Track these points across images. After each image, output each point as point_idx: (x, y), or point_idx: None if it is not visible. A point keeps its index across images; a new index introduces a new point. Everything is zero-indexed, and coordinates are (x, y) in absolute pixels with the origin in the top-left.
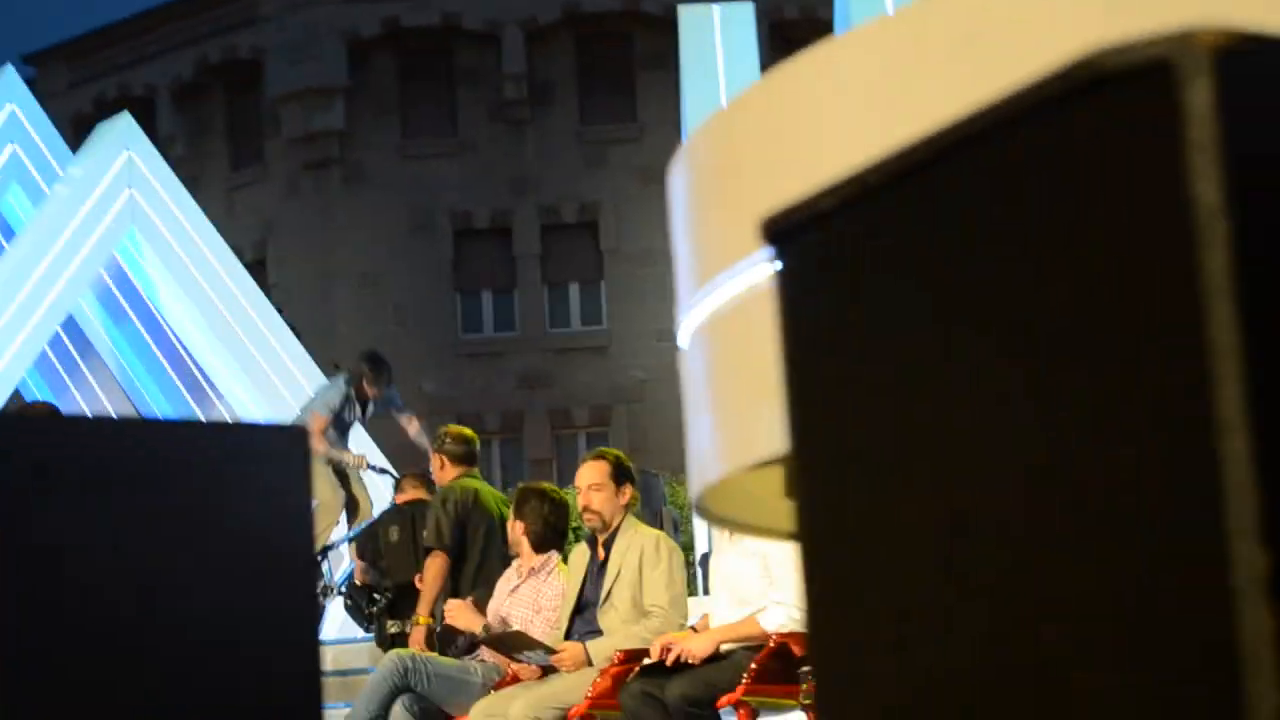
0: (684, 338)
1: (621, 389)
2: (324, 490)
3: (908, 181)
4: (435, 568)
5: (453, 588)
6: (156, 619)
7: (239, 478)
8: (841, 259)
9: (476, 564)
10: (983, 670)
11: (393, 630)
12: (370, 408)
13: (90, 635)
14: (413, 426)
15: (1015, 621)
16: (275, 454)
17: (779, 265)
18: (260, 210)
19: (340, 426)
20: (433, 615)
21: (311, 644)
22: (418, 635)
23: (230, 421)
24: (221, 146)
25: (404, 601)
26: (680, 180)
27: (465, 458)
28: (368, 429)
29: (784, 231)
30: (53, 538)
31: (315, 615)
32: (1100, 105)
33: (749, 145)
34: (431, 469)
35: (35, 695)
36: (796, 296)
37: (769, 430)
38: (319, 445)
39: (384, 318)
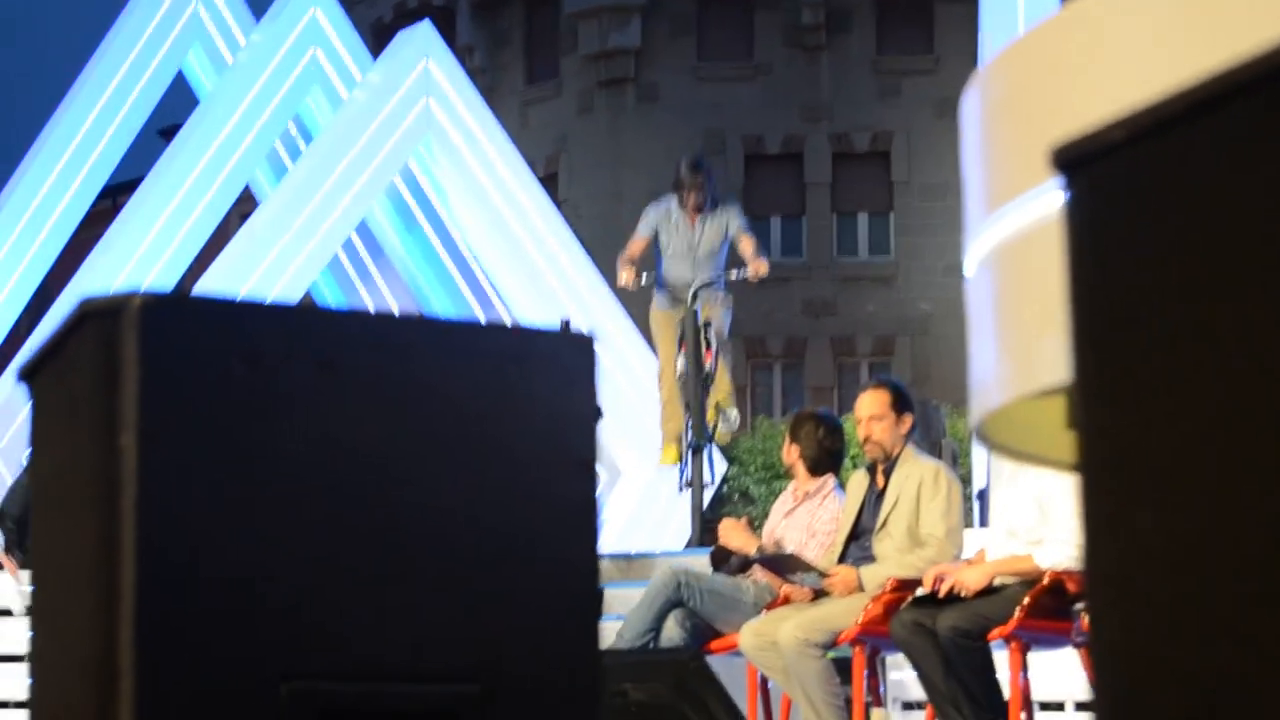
0: (971, 264)
1: (906, 320)
2: (662, 345)
3: (1204, 116)
4: None
5: None
6: (428, 517)
7: (521, 381)
8: (1132, 191)
9: None
10: (1263, 614)
11: None
12: (706, 228)
13: (362, 532)
14: (749, 246)
15: None
16: (559, 359)
17: (1068, 194)
18: (553, 125)
19: (673, 254)
20: None
21: (589, 552)
22: None
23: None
24: (518, 59)
25: None
26: (973, 106)
27: None
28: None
29: (1074, 161)
30: (336, 432)
31: (593, 524)
32: None
33: (1044, 74)
34: None
35: (317, 583)
36: (1084, 226)
37: (1053, 359)
38: (623, 273)
39: None
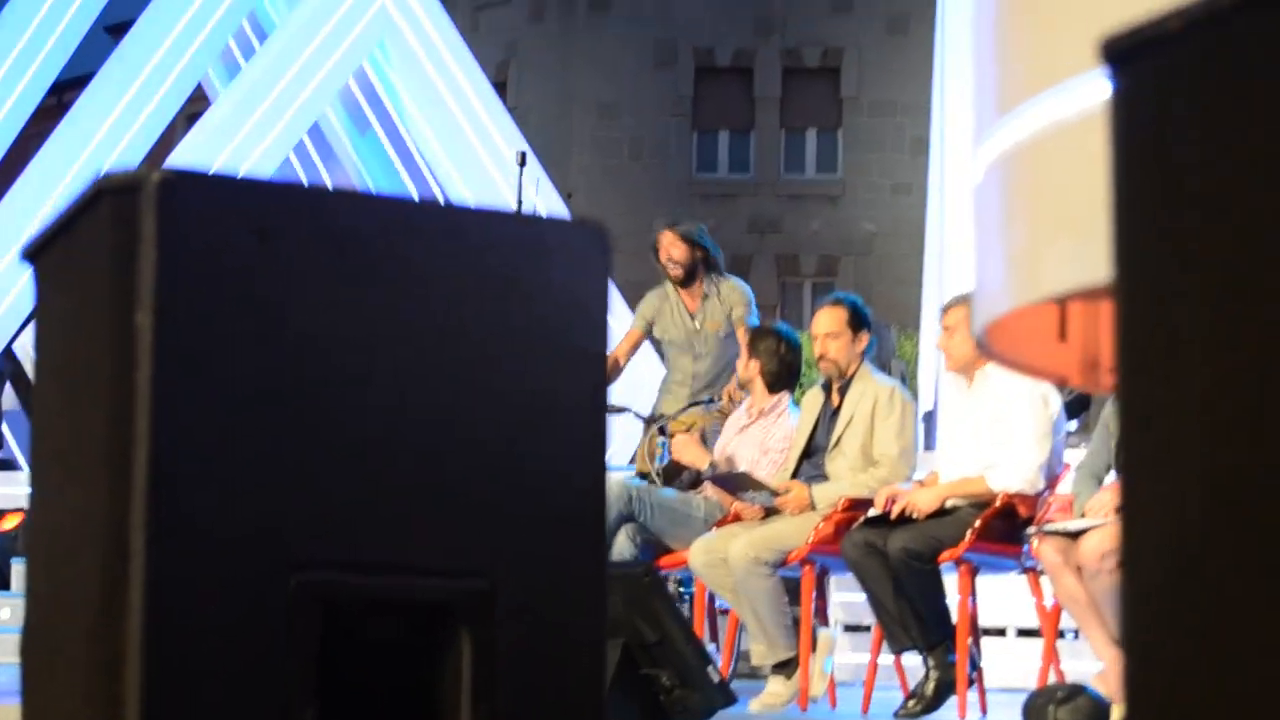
0: (979, 167)
1: (851, 240)
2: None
3: (1265, 6)
4: None
5: None
6: (440, 407)
7: (534, 270)
8: (1186, 84)
9: None
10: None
11: None
12: (707, 310)
13: (373, 420)
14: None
15: None
16: (572, 249)
17: (1117, 87)
18: (504, 31)
19: (671, 349)
20: None
21: (597, 448)
22: None
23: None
24: None
25: None
26: (989, 3)
27: None
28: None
29: (1126, 52)
30: (352, 316)
31: (602, 418)
32: None
33: None
34: None
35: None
36: (1134, 120)
37: (1063, 265)
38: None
39: (620, 150)
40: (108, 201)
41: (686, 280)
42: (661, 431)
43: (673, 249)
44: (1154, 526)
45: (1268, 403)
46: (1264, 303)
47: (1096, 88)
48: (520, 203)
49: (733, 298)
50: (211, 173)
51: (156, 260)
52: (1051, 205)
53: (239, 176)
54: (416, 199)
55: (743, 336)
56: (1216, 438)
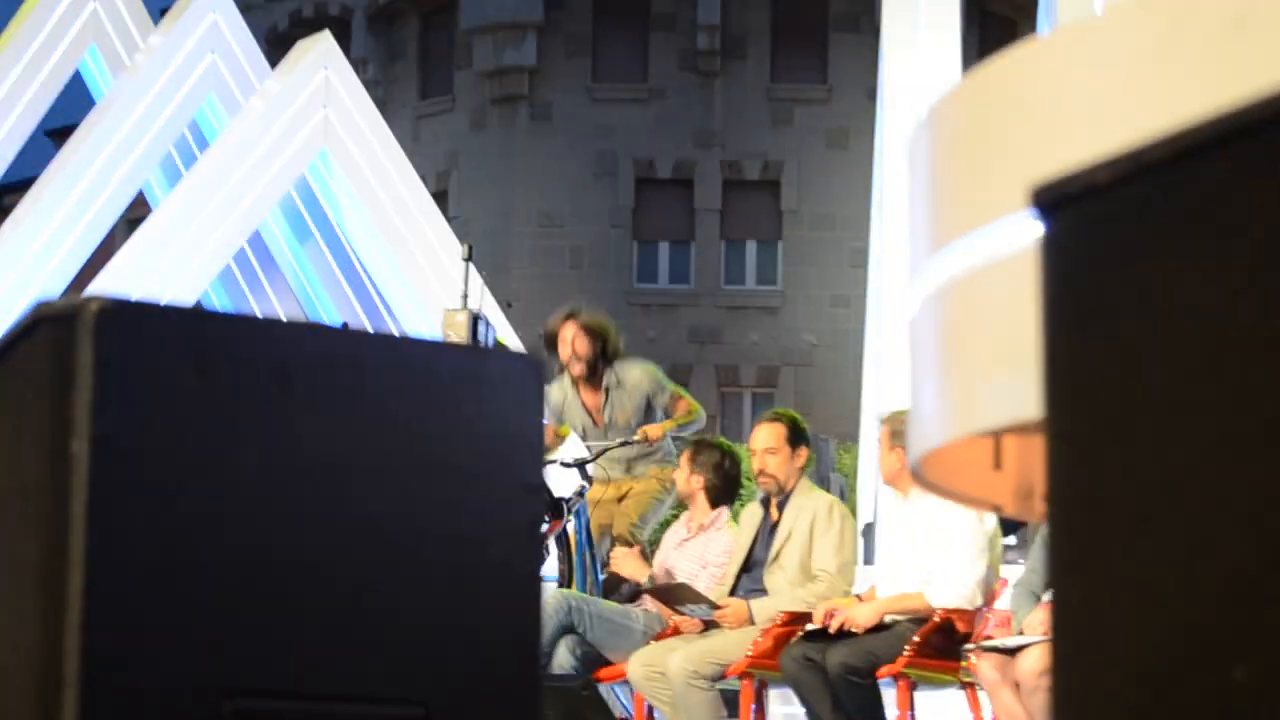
0: (915, 300)
1: (790, 351)
2: None
3: (1189, 162)
4: None
5: None
6: (376, 536)
7: (472, 401)
8: (1113, 234)
9: None
10: (1232, 661)
11: None
12: (613, 401)
13: (309, 548)
14: (683, 408)
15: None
16: (510, 381)
17: (1047, 234)
18: (445, 141)
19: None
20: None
21: (532, 576)
22: None
23: (464, 343)
24: (412, 73)
25: None
26: (924, 140)
27: None
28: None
29: (1056, 201)
30: (288, 446)
31: (537, 549)
32: None
33: (1005, 109)
34: None
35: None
36: (1062, 267)
37: (1000, 399)
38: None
39: (560, 261)
40: (45, 329)
41: (589, 375)
42: (583, 473)
43: (576, 343)
44: (1099, 660)
45: (1221, 544)
46: (1191, 440)
47: (1029, 226)
48: (466, 297)
49: (642, 385)
50: (151, 302)
51: (93, 389)
52: (986, 341)
53: (179, 306)
54: (357, 328)
55: (677, 408)
56: (1169, 585)
